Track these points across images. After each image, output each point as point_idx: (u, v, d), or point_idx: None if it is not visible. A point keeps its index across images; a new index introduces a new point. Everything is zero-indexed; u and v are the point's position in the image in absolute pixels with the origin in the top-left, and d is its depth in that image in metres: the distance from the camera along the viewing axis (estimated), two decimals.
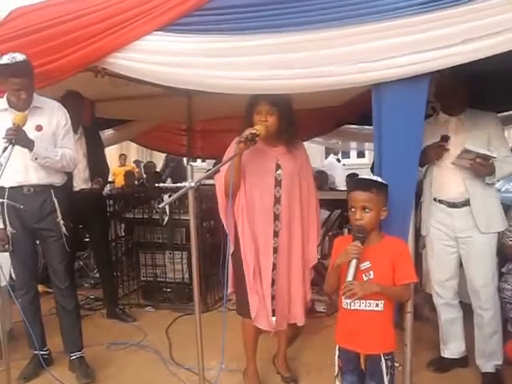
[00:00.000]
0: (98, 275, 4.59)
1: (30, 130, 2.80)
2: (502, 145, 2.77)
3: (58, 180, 3.03)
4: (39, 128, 2.88)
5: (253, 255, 2.70)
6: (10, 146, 2.59)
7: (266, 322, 2.76)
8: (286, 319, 2.86)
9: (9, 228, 2.91)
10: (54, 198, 2.96)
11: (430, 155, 2.78)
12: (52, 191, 2.97)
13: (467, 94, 2.79)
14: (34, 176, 2.92)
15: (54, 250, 3.02)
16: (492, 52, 2.06)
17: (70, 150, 3.00)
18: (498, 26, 2.01)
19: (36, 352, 3.07)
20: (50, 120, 2.94)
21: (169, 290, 4.41)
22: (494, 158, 2.58)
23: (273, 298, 2.77)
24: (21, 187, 2.92)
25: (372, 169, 5.08)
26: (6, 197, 2.88)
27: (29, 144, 2.74)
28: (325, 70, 2.27)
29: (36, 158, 2.81)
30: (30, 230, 2.98)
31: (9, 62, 2.62)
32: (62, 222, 2.98)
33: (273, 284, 2.77)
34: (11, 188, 2.90)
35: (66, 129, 3.01)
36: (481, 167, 2.61)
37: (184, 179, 2.16)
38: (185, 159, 9.72)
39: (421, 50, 2.13)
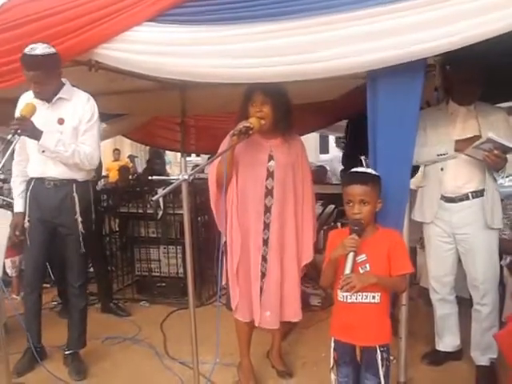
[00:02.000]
0: (92, 270, 4.57)
1: (52, 122, 2.77)
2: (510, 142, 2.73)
3: (81, 176, 2.93)
4: (61, 121, 2.81)
5: (238, 247, 2.66)
6: (16, 136, 2.53)
7: (246, 313, 2.72)
8: (278, 318, 2.77)
9: (26, 221, 2.90)
10: (75, 194, 2.88)
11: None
12: (74, 186, 2.89)
13: (481, 85, 2.71)
14: (53, 169, 2.85)
15: (70, 247, 2.95)
16: (476, 39, 2.01)
17: (88, 146, 2.84)
18: (480, 11, 1.97)
19: (29, 346, 3.04)
20: (74, 114, 2.84)
21: (163, 284, 4.40)
22: None
23: (261, 291, 2.71)
24: (42, 180, 2.87)
25: (343, 163, 5.05)
26: (30, 187, 2.89)
27: (36, 136, 2.67)
28: (312, 56, 2.24)
29: (43, 151, 2.75)
30: (48, 224, 2.92)
31: (26, 52, 2.57)
32: (80, 219, 2.90)
33: (263, 277, 2.71)
34: (35, 179, 2.89)
35: (90, 124, 2.86)
36: (498, 160, 2.53)
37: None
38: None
39: (405, 34, 2.09)
